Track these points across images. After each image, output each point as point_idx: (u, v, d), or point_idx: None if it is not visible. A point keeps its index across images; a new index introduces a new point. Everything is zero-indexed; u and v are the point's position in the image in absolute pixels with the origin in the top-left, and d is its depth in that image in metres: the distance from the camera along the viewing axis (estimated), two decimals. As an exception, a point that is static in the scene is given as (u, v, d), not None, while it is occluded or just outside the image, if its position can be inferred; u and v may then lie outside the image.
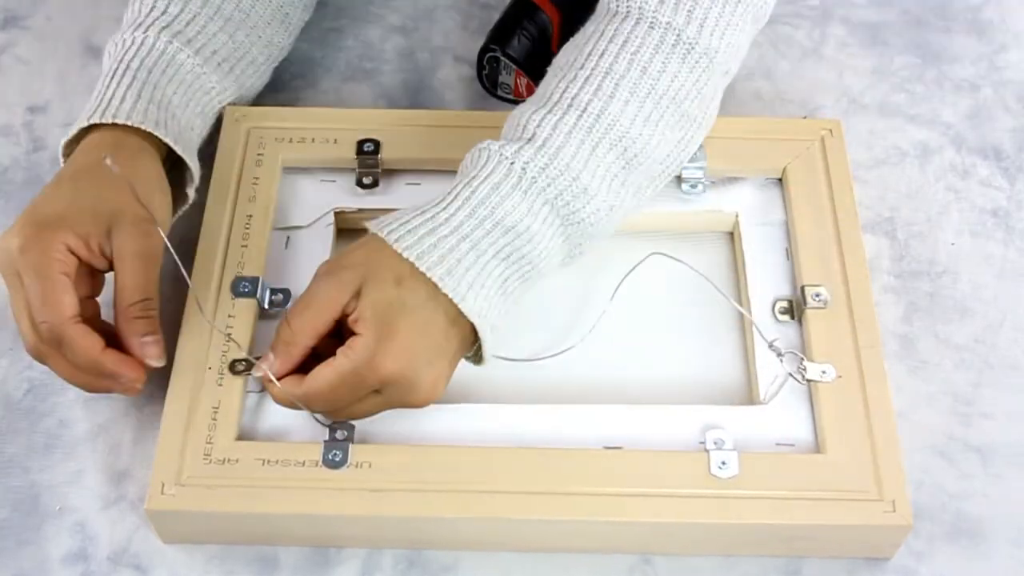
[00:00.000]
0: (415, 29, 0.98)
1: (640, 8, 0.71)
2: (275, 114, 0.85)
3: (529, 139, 0.69)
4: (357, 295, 0.66)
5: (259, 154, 0.82)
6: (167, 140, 0.75)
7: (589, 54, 0.71)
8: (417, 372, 0.66)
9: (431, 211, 0.68)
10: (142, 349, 0.70)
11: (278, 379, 0.68)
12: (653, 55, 0.71)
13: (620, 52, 0.71)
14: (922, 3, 1.00)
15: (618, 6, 0.73)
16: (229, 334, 0.73)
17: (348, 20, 0.99)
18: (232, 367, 0.73)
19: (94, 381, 0.70)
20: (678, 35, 0.71)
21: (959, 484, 0.75)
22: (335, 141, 0.83)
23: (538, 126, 0.69)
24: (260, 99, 0.91)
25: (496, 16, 0.91)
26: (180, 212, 0.79)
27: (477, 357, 0.70)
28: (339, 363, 0.66)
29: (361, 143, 0.82)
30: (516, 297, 0.70)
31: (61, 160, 0.77)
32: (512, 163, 0.68)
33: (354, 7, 0.99)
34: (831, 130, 0.83)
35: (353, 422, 0.71)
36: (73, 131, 0.75)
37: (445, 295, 0.66)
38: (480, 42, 0.90)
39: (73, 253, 0.69)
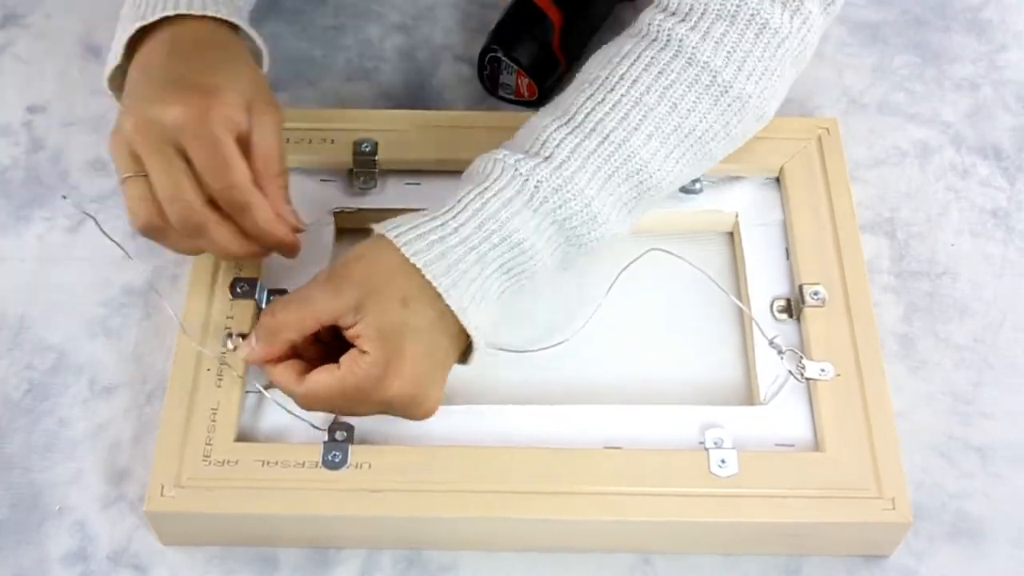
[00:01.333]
0: (415, 28, 0.98)
1: (680, 41, 0.70)
2: (273, 114, 0.85)
3: (547, 157, 0.68)
4: (356, 309, 0.65)
5: (257, 155, 0.82)
6: (240, 23, 0.72)
7: (622, 77, 0.70)
8: (424, 392, 0.67)
9: (440, 218, 0.67)
10: (293, 219, 0.70)
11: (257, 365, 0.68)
12: (686, 92, 0.70)
13: (653, 84, 0.70)
14: (922, 3, 1.00)
15: (659, 33, 0.71)
16: (224, 354, 0.73)
17: (348, 18, 0.98)
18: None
19: (252, 248, 0.70)
20: (714, 76, 0.70)
21: (959, 484, 0.75)
22: (332, 142, 0.82)
23: (558, 145, 0.69)
24: (260, 98, 0.91)
25: (497, 15, 0.91)
26: None
27: (463, 360, 0.71)
28: (343, 376, 0.65)
29: (358, 143, 0.82)
30: (505, 304, 0.71)
31: (107, 85, 0.73)
32: (526, 180, 0.68)
33: (354, 5, 0.99)
34: (828, 128, 0.83)
35: (352, 422, 0.71)
36: (132, 31, 0.70)
37: (450, 313, 0.66)
38: (481, 41, 0.90)
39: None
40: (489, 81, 0.91)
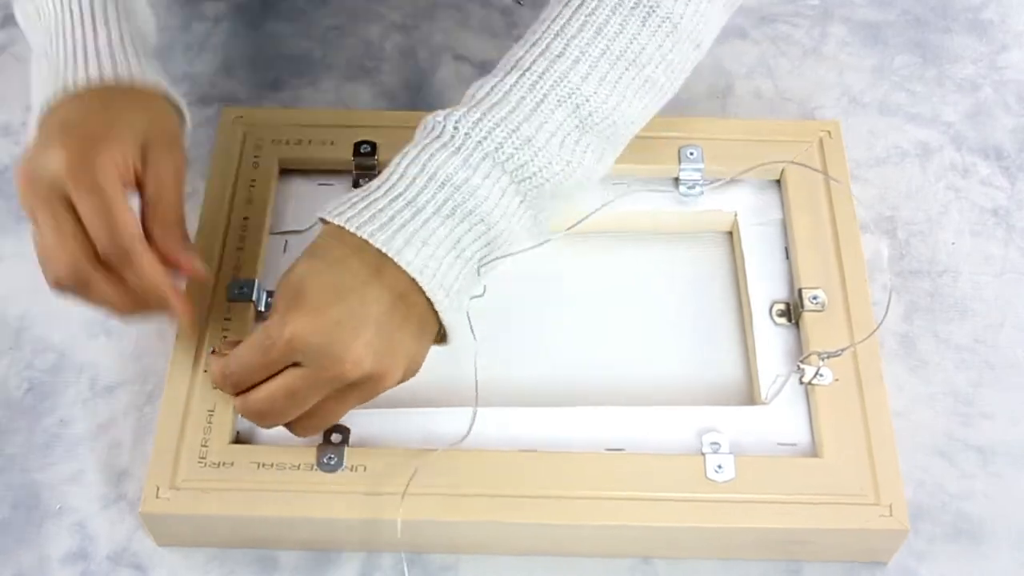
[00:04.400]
0: (415, 28, 0.98)
1: None
2: (272, 115, 0.85)
3: (467, 103, 0.68)
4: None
5: (256, 156, 0.82)
6: (172, 97, 0.72)
7: (543, 19, 0.70)
8: (329, 334, 0.61)
9: (369, 184, 0.67)
10: (192, 263, 0.67)
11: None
12: (610, 16, 0.69)
13: (574, 14, 0.69)
14: (922, 3, 0.99)
15: None
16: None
17: (348, 18, 0.98)
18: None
19: (143, 306, 0.66)
20: None
21: (959, 484, 0.75)
22: (332, 142, 0.82)
23: (477, 90, 0.68)
24: (260, 97, 0.91)
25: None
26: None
27: (440, 336, 0.67)
28: (253, 333, 0.63)
29: (358, 145, 0.82)
30: (478, 261, 0.67)
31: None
32: (444, 126, 0.66)
33: (354, 5, 0.99)
34: (829, 131, 0.83)
35: (348, 425, 0.71)
36: (55, 97, 0.69)
37: (390, 264, 0.63)
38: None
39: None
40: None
